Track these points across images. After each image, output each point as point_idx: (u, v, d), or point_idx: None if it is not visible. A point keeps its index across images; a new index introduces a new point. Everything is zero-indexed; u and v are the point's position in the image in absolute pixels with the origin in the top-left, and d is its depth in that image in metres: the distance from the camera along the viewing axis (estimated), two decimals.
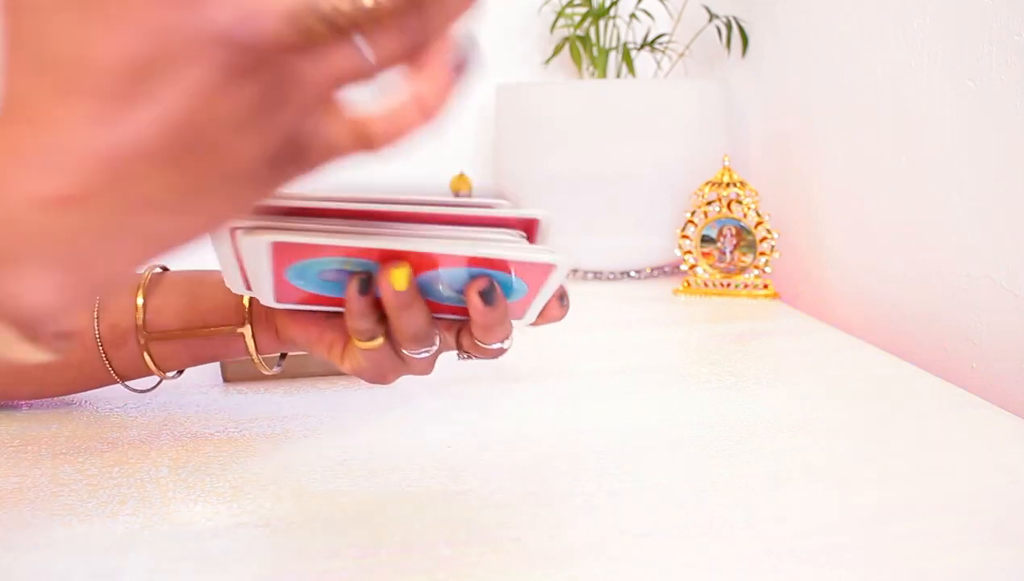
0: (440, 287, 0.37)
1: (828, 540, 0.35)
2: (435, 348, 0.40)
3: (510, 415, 0.50)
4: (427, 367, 0.41)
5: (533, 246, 0.37)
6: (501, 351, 0.40)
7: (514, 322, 0.40)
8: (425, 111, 0.25)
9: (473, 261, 0.35)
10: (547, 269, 0.35)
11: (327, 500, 0.39)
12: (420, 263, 0.35)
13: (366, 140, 0.25)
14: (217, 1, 0.21)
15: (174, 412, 0.51)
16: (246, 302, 0.45)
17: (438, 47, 0.25)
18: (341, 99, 0.26)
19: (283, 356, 0.49)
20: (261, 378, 0.57)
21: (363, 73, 0.24)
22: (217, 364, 0.57)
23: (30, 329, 0.25)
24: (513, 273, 0.36)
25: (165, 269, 0.48)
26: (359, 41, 0.23)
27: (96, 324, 0.46)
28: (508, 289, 0.37)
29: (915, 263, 0.67)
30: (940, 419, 0.49)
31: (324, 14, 0.22)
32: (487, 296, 0.36)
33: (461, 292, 0.37)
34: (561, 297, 0.39)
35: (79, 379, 0.48)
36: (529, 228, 0.37)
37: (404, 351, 0.39)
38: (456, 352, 0.42)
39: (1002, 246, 0.58)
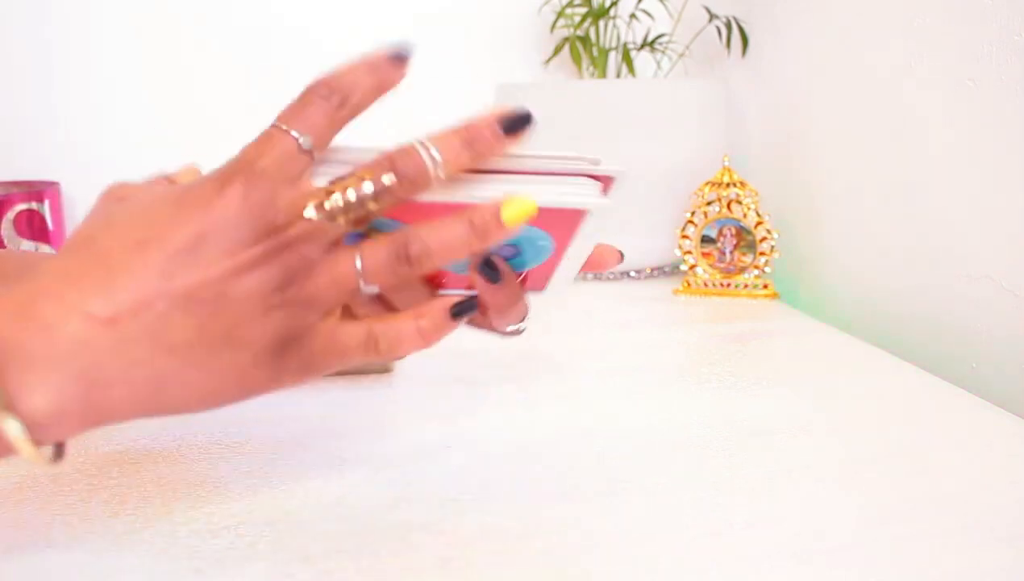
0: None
1: (828, 540, 0.35)
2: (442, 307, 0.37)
3: (510, 415, 0.50)
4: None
5: (557, 188, 0.31)
6: (517, 332, 0.38)
7: (537, 294, 0.36)
8: (424, 337, 0.32)
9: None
10: (575, 217, 0.31)
11: (327, 500, 0.39)
12: (416, 216, 0.31)
13: (373, 349, 0.32)
14: (270, 205, 0.29)
15: None
16: None
17: (441, 299, 0.33)
18: (353, 309, 0.33)
19: None
20: None
21: (355, 280, 0.30)
22: None
23: (31, 426, 0.27)
24: (532, 229, 0.31)
25: None
26: (355, 256, 0.30)
27: None
28: (530, 251, 0.33)
29: (915, 263, 0.67)
30: (940, 419, 0.49)
31: (336, 211, 0.29)
32: (487, 272, 0.33)
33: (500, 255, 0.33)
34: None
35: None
36: (571, 218, 0.32)
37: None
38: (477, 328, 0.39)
39: (1002, 246, 0.58)
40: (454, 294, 0.36)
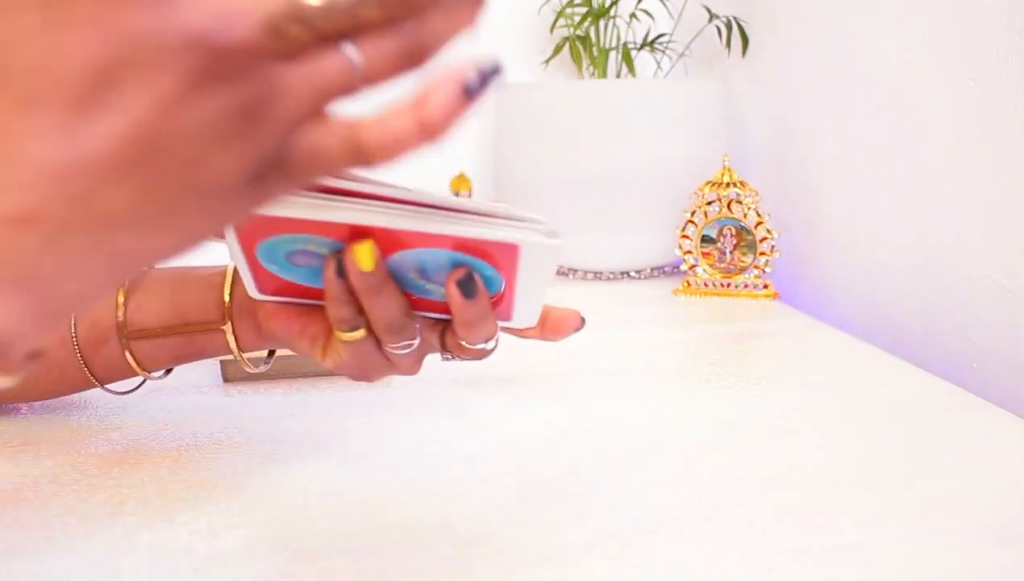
0: (414, 275, 0.35)
1: (828, 540, 0.35)
2: (416, 342, 0.38)
3: (510, 415, 0.50)
4: (412, 365, 0.40)
5: (500, 222, 0.32)
6: (485, 352, 0.39)
7: (506, 324, 0.38)
8: (426, 130, 0.23)
9: (433, 239, 0.32)
10: (512, 251, 0.32)
11: (327, 500, 0.39)
12: (386, 243, 0.33)
13: (359, 153, 0.24)
14: (189, 4, 0.20)
15: (174, 412, 0.51)
16: (227, 298, 0.44)
17: (451, 62, 0.24)
18: (329, 109, 0.24)
19: (271, 354, 0.48)
20: (261, 378, 0.57)
21: (352, 84, 0.22)
22: (217, 364, 0.57)
23: None
24: (487, 262, 0.33)
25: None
26: (347, 48, 0.22)
27: (74, 324, 0.45)
28: (490, 283, 0.35)
29: (915, 263, 0.67)
30: (940, 419, 0.49)
31: (304, 18, 0.21)
32: (465, 287, 0.34)
33: (441, 283, 0.35)
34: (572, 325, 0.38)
35: (62, 382, 0.48)
36: (509, 253, 0.33)
37: (386, 347, 0.38)
38: (440, 353, 0.41)
39: (1002, 246, 0.58)
40: (431, 317, 0.39)
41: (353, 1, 0.21)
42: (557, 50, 0.99)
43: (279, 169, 0.24)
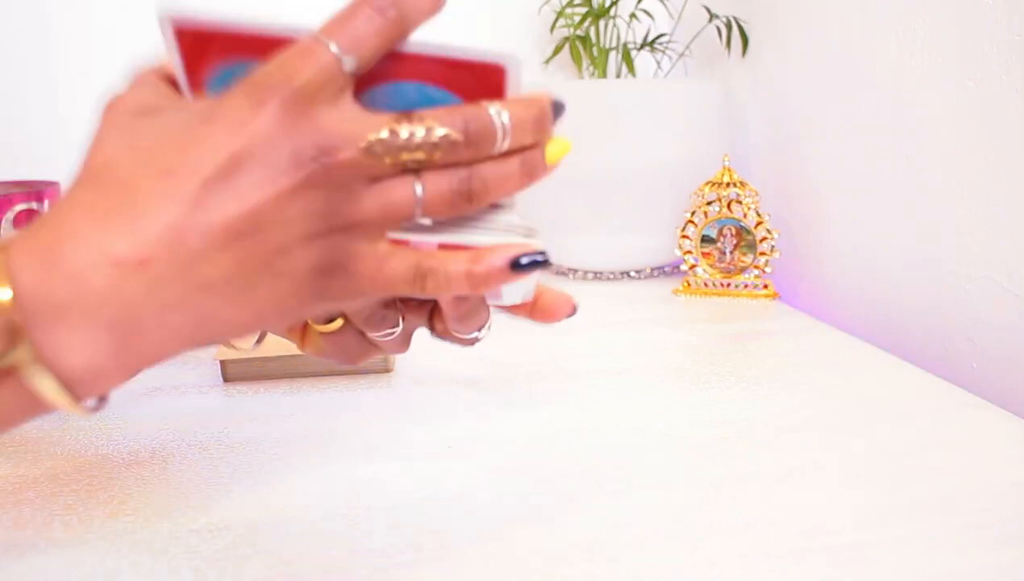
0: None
1: (828, 540, 0.35)
2: (399, 329, 0.37)
3: (510, 415, 0.50)
4: (399, 346, 0.39)
5: (475, 226, 0.32)
6: (476, 340, 0.38)
7: (496, 302, 0.36)
8: (471, 282, 0.29)
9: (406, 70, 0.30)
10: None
11: (327, 500, 0.39)
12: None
13: (421, 284, 0.29)
14: (315, 124, 0.26)
15: (174, 412, 0.51)
16: None
17: (506, 245, 0.30)
18: (400, 241, 0.29)
19: (262, 335, 0.47)
20: (261, 378, 0.57)
21: (413, 211, 0.28)
22: (217, 364, 0.57)
23: (67, 382, 0.25)
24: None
25: None
26: (413, 181, 0.28)
27: None
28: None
29: (915, 263, 0.67)
30: (940, 419, 0.49)
31: (393, 149, 0.27)
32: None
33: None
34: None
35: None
36: (495, 75, 0.31)
37: (368, 335, 0.37)
38: (430, 332, 0.39)
39: (1002, 246, 0.58)
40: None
41: (430, 144, 0.27)
42: (557, 50, 0.99)
43: (342, 275, 0.28)
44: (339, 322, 0.37)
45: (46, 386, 0.25)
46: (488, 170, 0.29)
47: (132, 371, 0.27)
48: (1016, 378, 0.57)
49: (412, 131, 0.27)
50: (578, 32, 0.94)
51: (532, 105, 0.29)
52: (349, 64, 0.27)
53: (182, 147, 0.26)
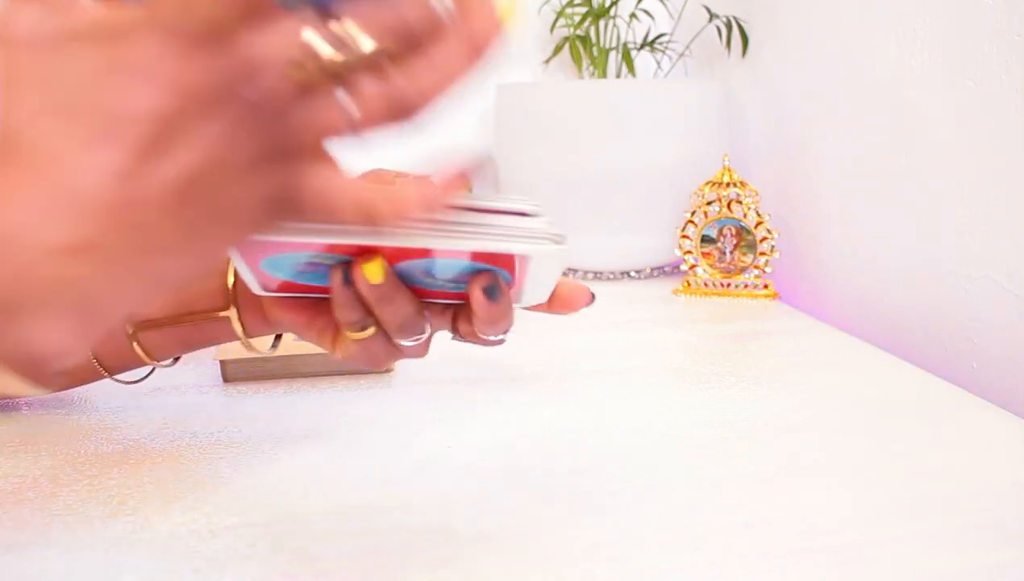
0: (422, 275, 0.35)
1: (828, 540, 0.35)
2: (427, 334, 0.38)
3: (510, 415, 0.50)
4: (421, 351, 0.40)
5: (512, 235, 0.32)
6: (501, 342, 0.39)
7: (515, 305, 0.37)
8: (426, 203, 0.27)
9: (446, 253, 0.32)
10: (523, 260, 0.33)
11: (327, 500, 0.39)
12: (395, 253, 0.33)
13: (368, 212, 0.27)
14: (227, 57, 0.23)
15: (174, 412, 0.51)
16: (230, 284, 0.43)
17: (454, 160, 0.27)
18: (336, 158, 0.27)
19: (278, 337, 0.47)
20: (261, 378, 0.57)
21: (345, 127, 0.25)
22: (217, 364, 0.57)
23: (32, 369, 0.25)
24: (500, 267, 0.33)
25: None
26: (341, 95, 0.24)
27: None
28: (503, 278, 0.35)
29: (915, 263, 0.67)
30: (940, 419, 0.49)
31: (315, 55, 0.23)
32: (491, 292, 0.35)
33: (453, 281, 0.35)
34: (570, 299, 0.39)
35: (71, 375, 0.48)
36: (521, 261, 0.33)
37: (397, 341, 0.38)
38: (451, 335, 0.40)
39: (1002, 246, 0.58)
40: (440, 303, 0.38)
41: (352, 44, 0.23)
42: (557, 50, 0.99)
43: (287, 207, 0.26)
44: (372, 329, 0.37)
45: (8, 383, 0.25)
46: (425, 66, 0.25)
47: (94, 341, 0.27)
48: (1016, 378, 0.57)
49: (337, 39, 0.23)
50: (578, 32, 0.94)
51: None
52: None
53: (99, 108, 0.23)
